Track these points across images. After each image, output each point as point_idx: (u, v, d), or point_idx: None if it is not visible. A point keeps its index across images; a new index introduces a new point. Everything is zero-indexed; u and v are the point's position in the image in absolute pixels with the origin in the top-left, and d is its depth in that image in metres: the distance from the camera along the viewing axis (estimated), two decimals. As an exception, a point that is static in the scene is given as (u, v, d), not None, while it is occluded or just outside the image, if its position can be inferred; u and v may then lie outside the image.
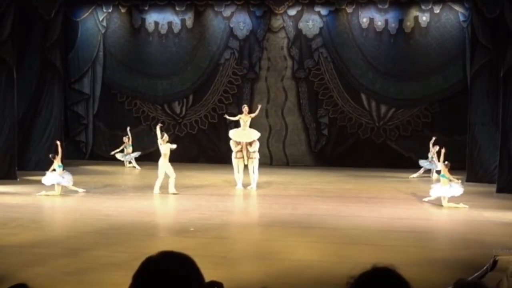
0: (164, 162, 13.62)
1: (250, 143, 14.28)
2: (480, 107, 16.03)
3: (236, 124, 15.06)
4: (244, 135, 14.37)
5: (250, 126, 14.79)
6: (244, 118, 14.53)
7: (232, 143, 14.42)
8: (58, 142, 14.01)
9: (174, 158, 18.04)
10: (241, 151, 14.22)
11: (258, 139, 14.62)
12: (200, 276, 1.93)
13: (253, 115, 14.81)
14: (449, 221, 11.54)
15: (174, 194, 13.38)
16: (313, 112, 19.26)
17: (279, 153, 19.42)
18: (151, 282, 1.87)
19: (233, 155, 14.33)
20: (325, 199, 13.16)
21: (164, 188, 13.53)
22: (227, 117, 15.55)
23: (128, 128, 18.54)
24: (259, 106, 15.43)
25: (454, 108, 18.24)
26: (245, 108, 14.79)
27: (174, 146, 13.86)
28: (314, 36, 19.05)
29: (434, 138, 16.76)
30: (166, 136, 13.95)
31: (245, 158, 14.20)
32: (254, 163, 14.25)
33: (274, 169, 17.75)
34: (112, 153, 18.64)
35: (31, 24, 16.74)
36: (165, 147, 13.73)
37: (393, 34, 18.74)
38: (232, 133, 14.52)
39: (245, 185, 14.28)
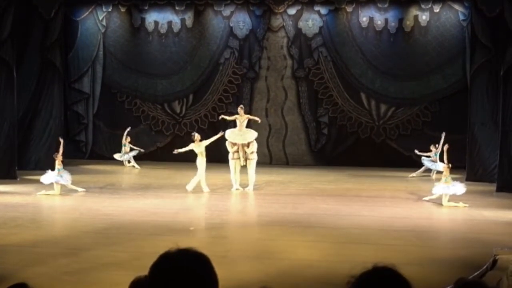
0: (201, 161, 13.72)
1: (247, 144, 14.19)
2: (480, 106, 16.02)
3: (235, 124, 14.98)
4: (240, 136, 14.23)
5: (250, 125, 14.73)
6: (240, 119, 14.39)
7: (228, 144, 14.27)
8: (62, 140, 14.09)
9: (174, 158, 18.08)
10: (237, 151, 14.16)
11: (258, 139, 14.56)
12: (214, 275, 1.95)
13: (251, 117, 14.74)
14: (449, 220, 11.55)
15: (189, 191, 13.62)
16: (313, 111, 19.25)
17: (279, 153, 19.42)
18: (166, 277, 1.91)
19: (230, 156, 14.25)
20: (325, 199, 13.17)
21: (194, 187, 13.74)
22: (223, 117, 15.15)
23: (128, 129, 18.47)
24: (258, 120, 15.36)
25: (453, 107, 18.24)
26: (241, 109, 14.70)
27: (217, 135, 14.06)
28: (313, 35, 19.03)
29: (416, 151, 16.65)
30: (198, 136, 13.97)
31: (242, 159, 14.13)
32: (252, 164, 14.18)
33: (274, 169, 17.73)
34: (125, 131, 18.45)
35: (31, 23, 16.73)
36: (200, 147, 13.76)
37: (393, 33, 18.72)
38: (228, 134, 14.32)
39: (244, 186, 14.26)
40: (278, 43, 19.29)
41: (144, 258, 7.44)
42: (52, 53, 17.09)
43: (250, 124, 14.99)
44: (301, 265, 7.87)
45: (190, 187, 13.66)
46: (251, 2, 19.08)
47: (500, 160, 14.65)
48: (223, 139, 14.38)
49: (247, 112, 15.61)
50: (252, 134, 14.32)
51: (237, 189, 14.09)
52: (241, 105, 15.31)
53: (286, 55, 19.28)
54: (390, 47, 18.80)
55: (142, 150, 18.51)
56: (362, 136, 19.08)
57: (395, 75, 18.82)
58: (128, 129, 18.49)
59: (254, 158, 14.17)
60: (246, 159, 14.13)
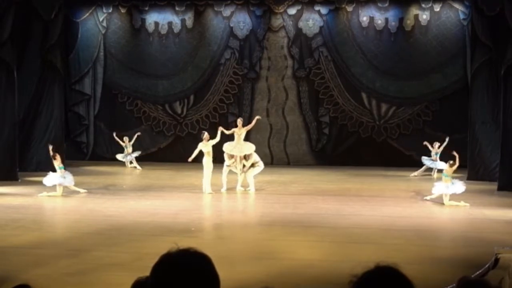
0: (208, 160, 13.69)
1: (245, 157, 14.16)
2: (481, 105, 16.02)
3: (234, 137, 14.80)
4: (237, 148, 14.15)
5: (253, 127, 14.62)
6: (238, 132, 14.31)
7: (225, 156, 14.23)
8: (51, 147, 13.95)
9: (175, 158, 18.10)
10: (234, 163, 14.15)
11: (258, 139, 14.53)
12: (216, 275, 1.95)
13: (248, 127, 14.70)
14: (450, 220, 11.54)
15: (209, 192, 13.60)
16: (313, 111, 19.26)
17: (280, 153, 19.42)
18: (167, 277, 1.90)
19: (225, 163, 14.24)
20: (326, 198, 13.17)
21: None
22: (222, 129, 14.44)
23: (137, 134, 18.52)
24: (257, 118, 15.20)
25: (454, 106, 18.24)
26: (239, 122, 14.63)
27: (218, 134, 13.91)
28: (314, 35, 19.04)
29: (423, 158, 16.75)
30: (207, 135, 13.93)
31: (239, 171, 14.08)
32: (255, 170, 14.11)
33: (275, 169, 17.72)
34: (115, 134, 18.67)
35: (31, 25, 16.73)
36: (208, 146, 13.77)
37: (393, 32, 18.72)
38: (226, 146, 14.25)
39: (245, 186, 14.25)
40: (278, 43, 19.30)
41: (145, 259, 7.45)
42: (52, 55, 17.08)
43: (253, 128, 14.91)
44: (303, 265, 7.87)
45: (207, 189, 13.64)
46: (251, 2, 19.09)
47: (501, 159, 14.64)
48: (226, 138, 14.37)
49: (245, 119, 15.50)
50: (250, 147, 14.27)
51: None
52: (240, 118, 15.24)
53: (286, 55, 19.29)
54: (390, 47, 18.80)
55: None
56: (363, 136, 19.08)
57: (395, 75, 18.82)
58: (114, 133, 18.59)
59: (260, 166, 14.15)
60: (249, 168, 14.06)
